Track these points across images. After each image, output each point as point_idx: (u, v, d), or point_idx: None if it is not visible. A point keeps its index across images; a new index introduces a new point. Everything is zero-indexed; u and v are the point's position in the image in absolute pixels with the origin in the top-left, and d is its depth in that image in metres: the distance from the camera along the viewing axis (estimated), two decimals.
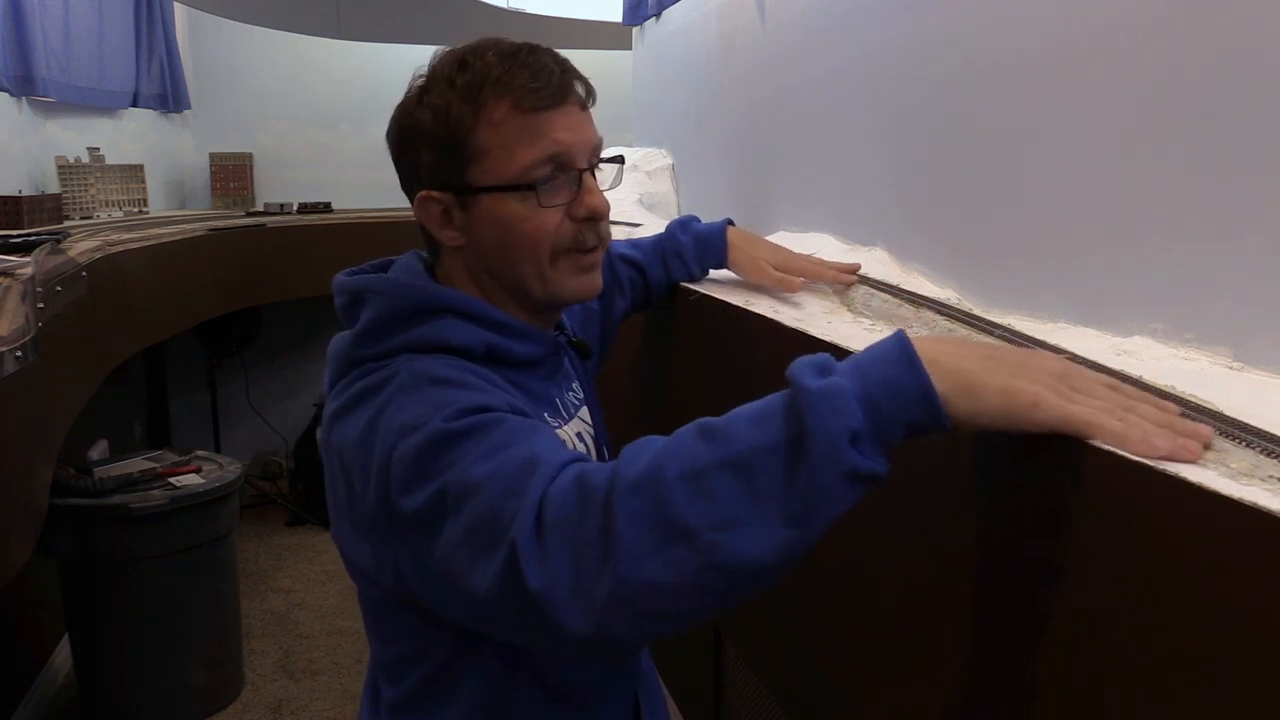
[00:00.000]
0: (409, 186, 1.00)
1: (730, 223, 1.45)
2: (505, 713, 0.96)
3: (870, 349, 0.68)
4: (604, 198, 1.00)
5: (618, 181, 1.10)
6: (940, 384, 0.65)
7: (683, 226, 1.43)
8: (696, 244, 1.42)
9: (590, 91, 1.01)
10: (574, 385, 1.13)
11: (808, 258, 1.39)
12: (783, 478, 0.66)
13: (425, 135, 0.96)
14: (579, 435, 1.08)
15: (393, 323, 0.94)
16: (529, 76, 0.94)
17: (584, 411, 1.13)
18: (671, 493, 0.66)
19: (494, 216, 0.96)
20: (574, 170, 0.97)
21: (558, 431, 1.02)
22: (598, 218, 0.99)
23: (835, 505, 0.66)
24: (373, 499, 0.85)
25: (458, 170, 0.95)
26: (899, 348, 0.67)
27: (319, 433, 1.02)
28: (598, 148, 1.01)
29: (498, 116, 0.94)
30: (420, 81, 0.98)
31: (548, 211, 0.96)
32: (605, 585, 0.67)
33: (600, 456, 1.11)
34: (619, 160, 1.06)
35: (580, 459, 0.79)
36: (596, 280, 1.02)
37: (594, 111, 1.03)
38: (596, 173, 1.01)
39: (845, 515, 0.68)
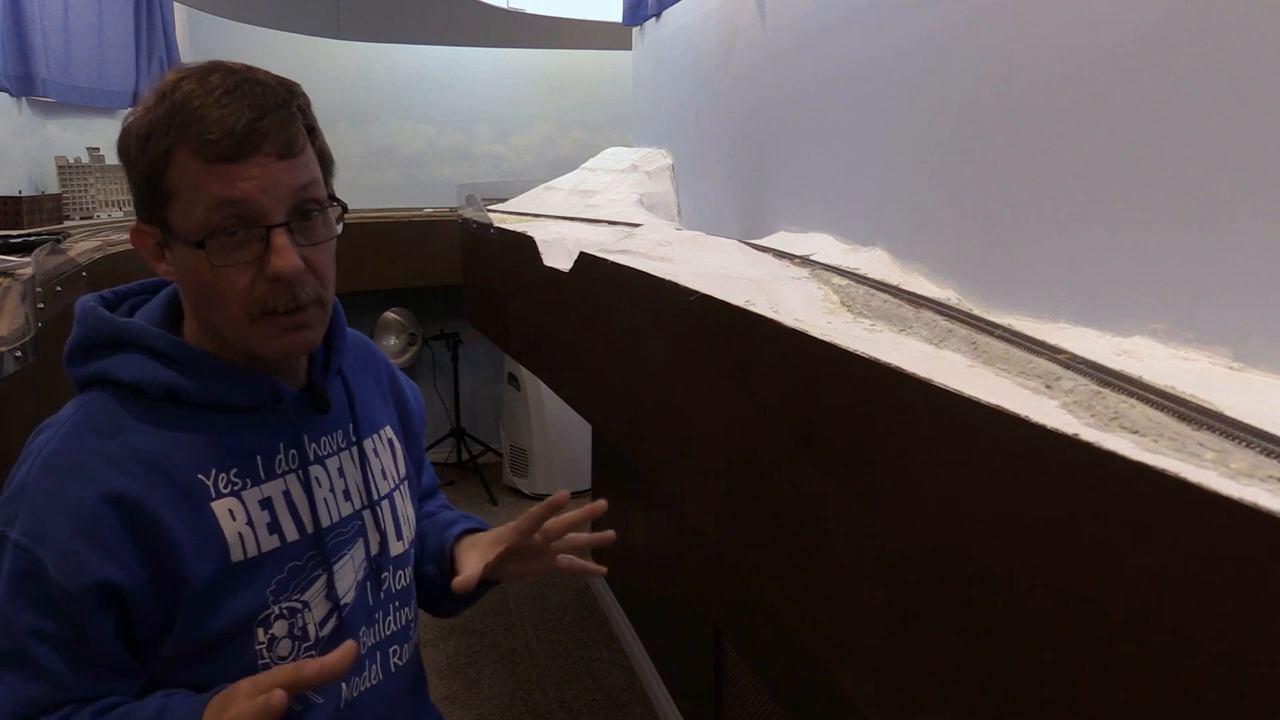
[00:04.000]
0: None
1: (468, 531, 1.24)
2: None
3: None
4: (294, 258, 0.89)
5: (334, 232, 0.97)
6: None
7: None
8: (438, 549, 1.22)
9: (304, 132, 0.92)
10: (325, 437, 1.04)
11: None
12: None
13: (131, 164, 0.90)
14: (283, 494, 0.98)
15: (85, 350, 0.94)
16: (211, 124, 0.85)
17: (322, 467, 1.03)
18: None
19: (185, 263, 0.90)
20: (259, 227, 0.88)
21: (242, 493, 0.94)
22: (284, 280, 0.89)
23: None
24: None
25: (158, 207, 0.89)
26: None
27: None
28: (306, 196, 0.91)
29: (180, 160, 0.87)
30: (149, 94, 0.90)
31: (230, 271, 0.88)
32: None
33: (315, 520, 1.00)
34: (336, 204, 0.96)
35: None
36: (308, 337, 0.94)
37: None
38: (308, 222, 0.92)
39: (845, 515, 0.69)
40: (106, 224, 3.60)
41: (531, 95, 5.66)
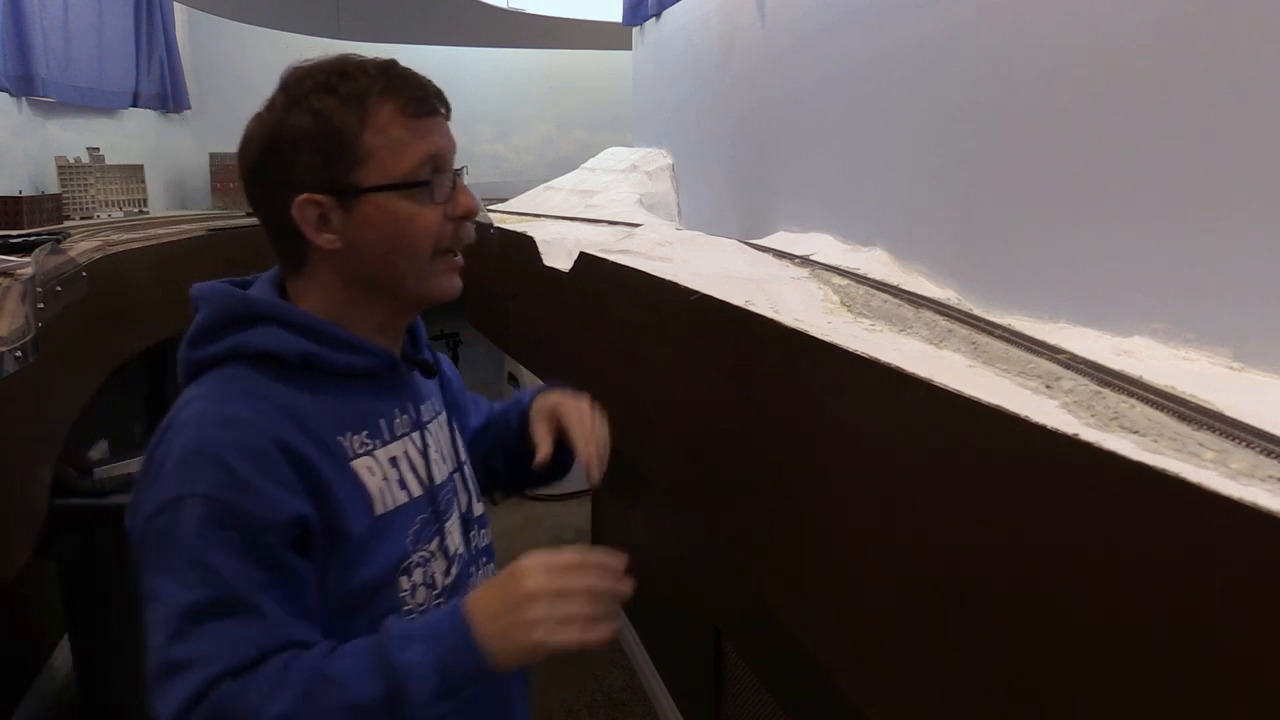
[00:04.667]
0: (275, 193, 1.00)
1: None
2: None
3: (439, 628, 0.89)
4: (476, 198, 1.07)
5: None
6: (487, 658, 0.88)
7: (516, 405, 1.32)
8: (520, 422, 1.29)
9: (449, 107, 1.08)
10: (424, 404, 1.12)
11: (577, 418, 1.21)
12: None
13: (303, 140, 0.98)
14: (405, 455, 1.05)
15: (216, 328, 1.00)
16: (412, 87, 1.01)
17: (428, 432, 1.10)
18: None
19: (382, 215, 1.00)
20: (448, 172, 1.03)
21: (375, 453, 1.02)
22: (472, 214, 1.06)
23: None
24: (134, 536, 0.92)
25: (343, 172, 0.98)
26: (461, 638, 0.88)
27: None
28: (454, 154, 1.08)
29: (382, 121, 0.99)
30: (281, 95, 1.00)
31: (433, 209, 1.01)
32: None
33: (430, 477, 1.07)
34: (464, 170, 1.13)
35: (246, 666, 0.86)
36: (458, 283, 1.08)
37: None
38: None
39: (845, 515, 0.69)
40: (106, 224, 3.61)
41: (531, 95, 5.66)
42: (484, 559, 1.17)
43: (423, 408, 1.11)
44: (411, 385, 1.10)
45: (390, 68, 1.02)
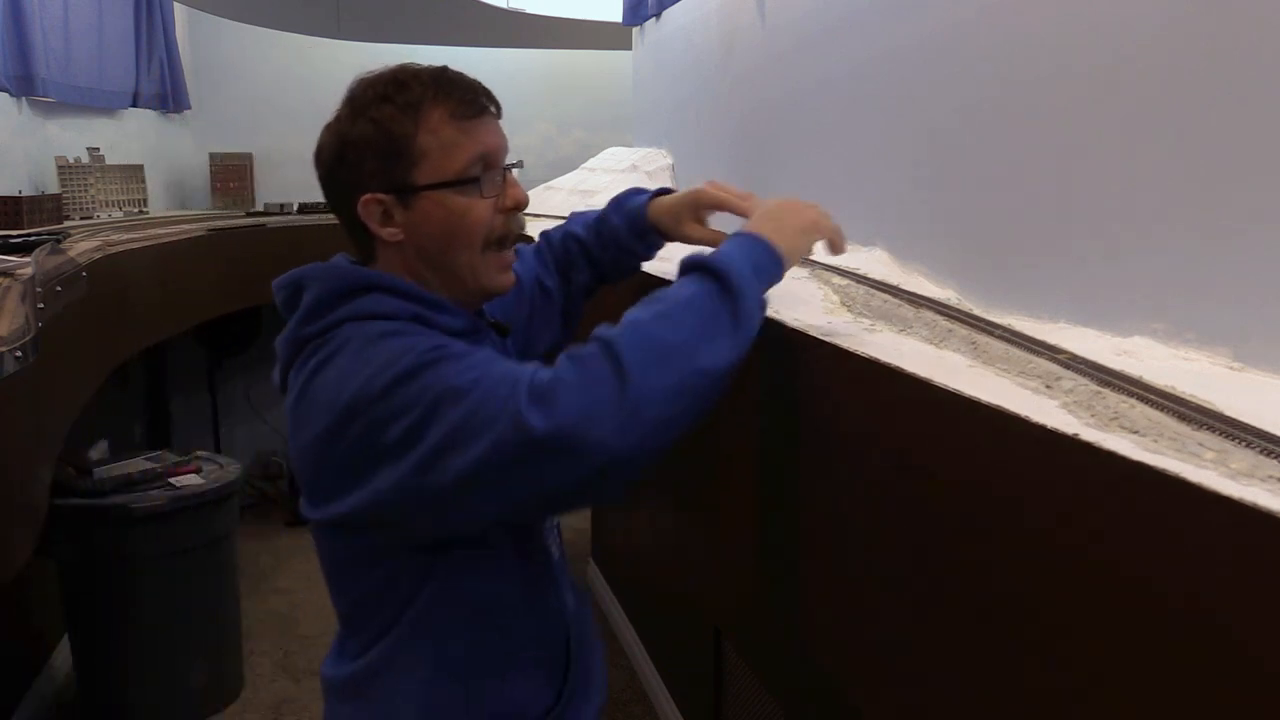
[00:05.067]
0: (346, 193, 1.10)
1: (662, 191, 1.40)
2: (458, 640, 1.10)
3: (740, 246, 1.06)
4: (525, 190, 1.15)
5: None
6: (784, 258, 1.08)
7: (617, 208, 1.41)
8: (630, 228, 1.40)
9: (499, 106, 1.16)
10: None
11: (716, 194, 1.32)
12: (726, 310, 0.98)
13: (366, 146, 1.08)
14: None
15: (331, 300, 1.08)
16: (461, 91, 1.10)
17: None
18: (654, 328, 0.95)
19: (437, 210, 1.09)
20: (498, 169, 1.12)
21: None
22: (522, 206, 1.15)
23: (755, 324, 1.01)
24: (352, 437, 0.97)
25: (401, 172, 1.08)
26: (763, 249, 1.06)
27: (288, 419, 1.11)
28: (508, 152, 1.16)
29: (434, 124, 1.08)
30: (346, 106, 1.11)
31: (484, 203, 1.10)
32: (628, 403, 0.89)
33: None
34: (519, 164, 1.20)
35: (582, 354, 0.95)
36: (511, 278, 1.17)
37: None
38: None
39: (845, 515, 0.68)
40: (106, 224, 3.61)
41: (531, 95, 5.65)
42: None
43: None
44: (494, 344, 1.19)
45: (441, 74, 1.10)
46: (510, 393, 0.91)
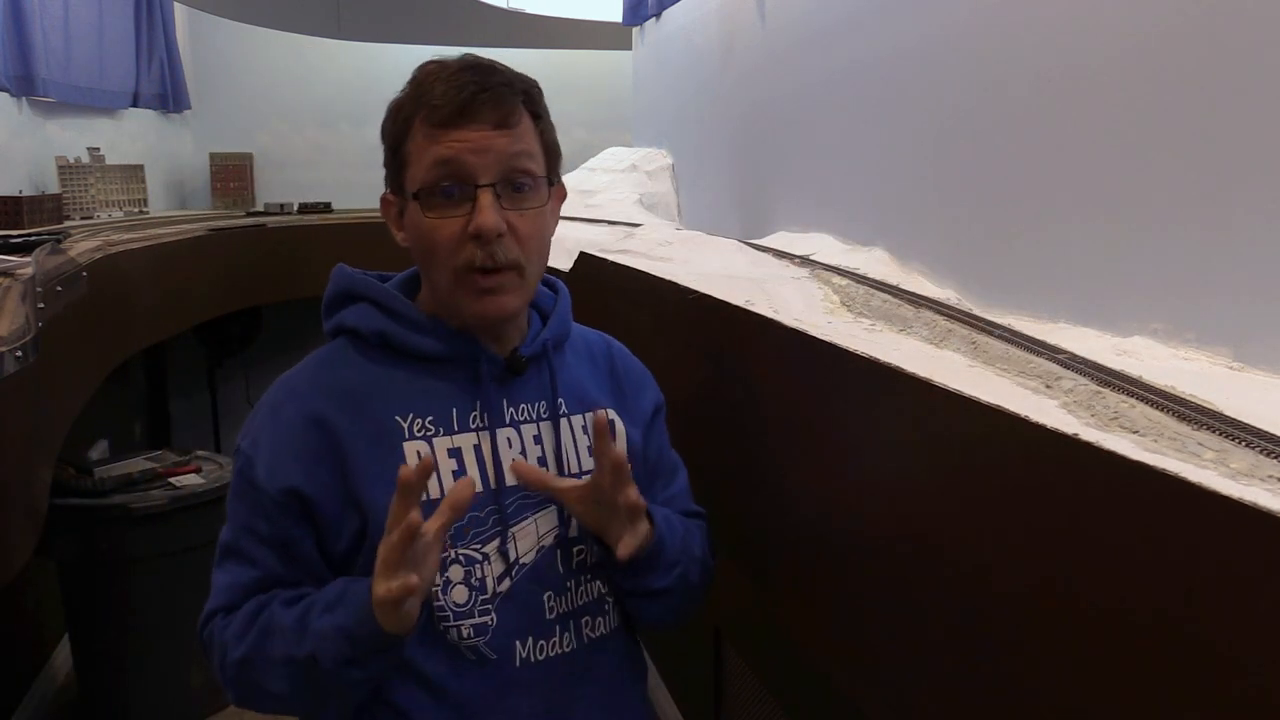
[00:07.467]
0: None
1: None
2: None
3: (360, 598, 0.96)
4: (494, 216, 0.97)
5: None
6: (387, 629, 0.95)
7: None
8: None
9: (526, 113, 1.03)
10: (524, 404, 1.07)
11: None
12: (303, 678, 0.99)
13: (383, 137, 1.05)
14: (473, 448, 1.03)
15: (330, 304, 1.10)
16: (439, 95, 0.98)
17: (515, 431, 1.06)
18: (244, 671, 1.03)
19: (415, 223, 1.02)
20: (469, 186, 0.98)
21: (433, 439, 1.03)
22: (484, 235, 0.97)
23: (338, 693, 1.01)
24: None
25: (397, 174, 1.04)
26: (367, 609, 0.94)
27: None
28: (517, 166, 1.00)
29: (414, 129, 1.00)
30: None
31: (444, 224, 0.99)
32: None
33: (500, 478, 1.04)
34: (551, 185, 1.07)
35: (234, 606, 1.03)
36: (500, 302, 1.01)
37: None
38: (519, 194, 1.01)
39: (845, 515, 0.69)
40: (106, 224, 3.60)
41: None
42: (589, 575, 1.09)
43: (520, 407, 1.07)
44: (507, 382, 1.07)
45: (440, 70, 1.00)
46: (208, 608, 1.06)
